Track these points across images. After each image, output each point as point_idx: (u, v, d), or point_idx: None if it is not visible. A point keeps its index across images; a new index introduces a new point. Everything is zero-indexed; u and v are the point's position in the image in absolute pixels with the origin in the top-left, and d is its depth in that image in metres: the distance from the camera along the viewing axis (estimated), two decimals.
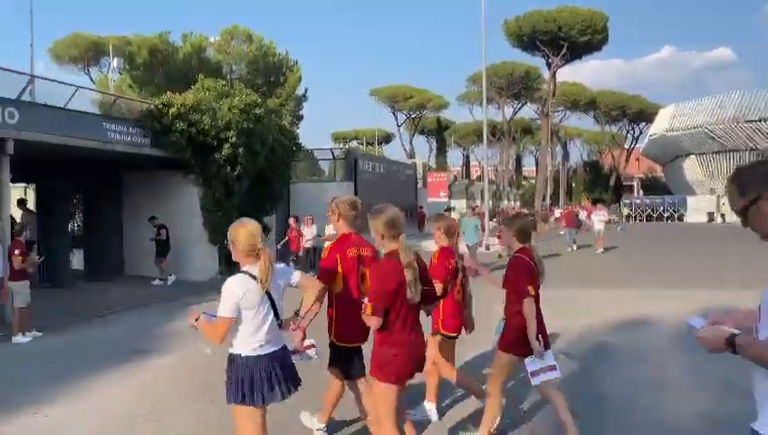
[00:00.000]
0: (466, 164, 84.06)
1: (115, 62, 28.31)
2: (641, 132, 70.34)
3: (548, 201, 54.85)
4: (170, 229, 14.60)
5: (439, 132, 76.14)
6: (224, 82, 16.26)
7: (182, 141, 14.15)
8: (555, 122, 62.53)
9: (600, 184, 72.42)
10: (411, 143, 76.43)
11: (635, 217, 50.37)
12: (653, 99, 76.22)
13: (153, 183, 15.37)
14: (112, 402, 6.00)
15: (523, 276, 4.22)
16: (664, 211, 50.02)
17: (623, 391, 5.81)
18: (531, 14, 48.52)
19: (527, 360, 4.19)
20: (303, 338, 3.89)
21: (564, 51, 47.26)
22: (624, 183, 72.64)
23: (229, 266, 16.10)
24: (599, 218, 21.43)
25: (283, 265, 3.72)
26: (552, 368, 4.24)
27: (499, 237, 18.25)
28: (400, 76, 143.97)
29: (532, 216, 20.16)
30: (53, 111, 11.83)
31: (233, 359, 3.40)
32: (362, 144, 69.18)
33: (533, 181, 71.11)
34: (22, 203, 15.15)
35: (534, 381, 4.23)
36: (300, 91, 30.84)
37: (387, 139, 78.03)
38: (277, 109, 22.99)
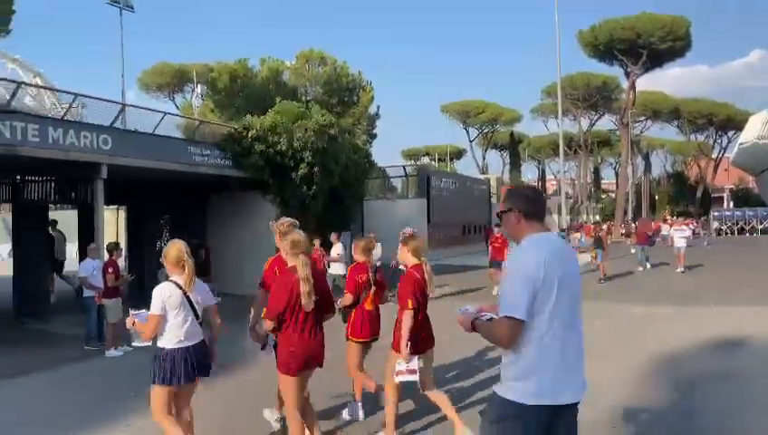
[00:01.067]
0: (542, 178, 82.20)
1: (199, 89, 29.78)
2: (730, 141, 66.44)
3: (630, 215, 52.64)
4: (251, 247, 15.03)
5: (513, 146, 74.91)
6: (299, 105, 16.74)
7: (260, 162, 14.66)
8: (635, 133, 60.17)
9: (686, 196, 68.87)
10: (484, 158, 75.65)
11: (725, 230, 47.49)
12: (742, 105, 71.96)
13: (235, 203, 15.95)
14: (198, 416, 6.20)
15: (408, 290, 4.73)
16: (757, 224, 46.91)
17: (725, 420, 5.44)
18: (607, 22, 47.11)
19: (398, 360, 4.68)
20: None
21: (644, 59, 45.49)
22: (713, 195, 68.74)
23: None
24: (679, 235, 19.62)
25: (206, 285, 4.65)
26: (413, 372, 4.67)
27: None
28: (471, 91, 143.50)
29: (601, 229, 19.04)
30: (143, 136, 12.53)
31: (159, 350, 4.33)
32: (434, 160, 69.16)
33: (613, 195, 68.60)
34: (53, 225, 15.57)
35: (396, 379, 4.74)
36: (372, 110, 31.23)
37: (458, 154, 77.59)
38: (350, 128, 23.33)
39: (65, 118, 11.87)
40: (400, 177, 26.89)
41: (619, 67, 49.94)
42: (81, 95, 12.40)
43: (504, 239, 13.86)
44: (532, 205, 2.85)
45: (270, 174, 15.03)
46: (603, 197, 76.29)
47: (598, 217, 57.95)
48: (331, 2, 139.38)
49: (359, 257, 5.64)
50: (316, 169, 15.26)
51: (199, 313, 4.45)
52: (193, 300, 4.38)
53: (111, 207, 18.26)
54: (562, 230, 22.80)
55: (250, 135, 14.63)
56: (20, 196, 14.25)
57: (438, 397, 5.01)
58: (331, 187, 16.19)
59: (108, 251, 9.72)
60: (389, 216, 23.73)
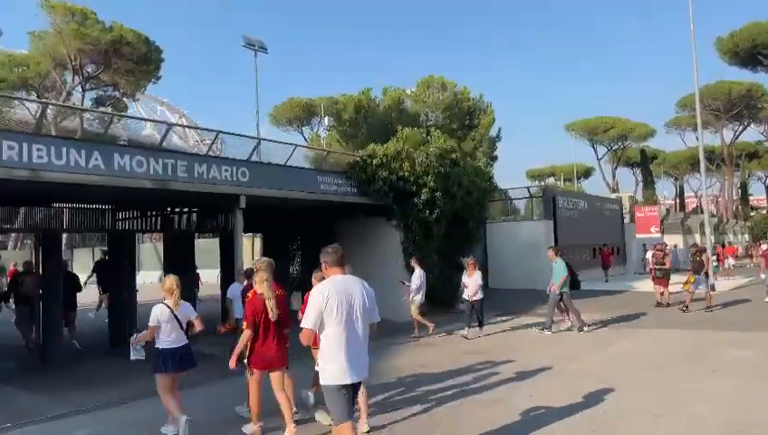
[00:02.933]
0: (680, 195, 76.59)
1: (326, 121, 31.27)
2: None
3: None
4: (377, 270, 15.32)
5: (644, 163, 70.56)
6: (421, 130, 17.02)
7: (384, 189, 15.03)
8: None
9: None
10: (614, 176, 71.92)
11: None
12: None
13: (360, 228, 16.44)
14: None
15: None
16: None
17: None
18: (749, 27, 43.46)
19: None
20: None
21: None
22: None
23: (432, 307, 16.47)
24: None
25: (188, 304, 6.73)
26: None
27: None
28: (597, 107, 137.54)
29: (701, 252, 16.87)
30: (276, 168, 13.34)
31: (156, 350, 6.47)
32: (559, 181, 66.85)
33: (764, 211, 62.24)
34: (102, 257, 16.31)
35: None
36: (493, 132, 31.07)
37: (586, 173, 74.47)
38: (472, 151, 23.34)
39: (208, 153, 12.95)
40: (524, 198, 26.28)
41: (764, 73, 45.69)
42: (221, 132, 13.48)
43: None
44: (332, 257, 5.00)
45: (393, 200, 15.35)
46: (752, 214, 69.36)
47: (747, 237, 52.75)
48: (451, 26, 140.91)
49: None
50: (438, 193, 15.37)
51: (183, 325, 6.57)
52: (178, 316, 6.51)
53: (248, 234, 19.55)
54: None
55: (374, 162, 15.08)
56: (170, 226, 15.67)
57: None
58: (453, 210, 16.21)
59: (246, 276, 10.35)
60: (513, 238, 23.22)
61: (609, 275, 25.11)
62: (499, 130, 32.67)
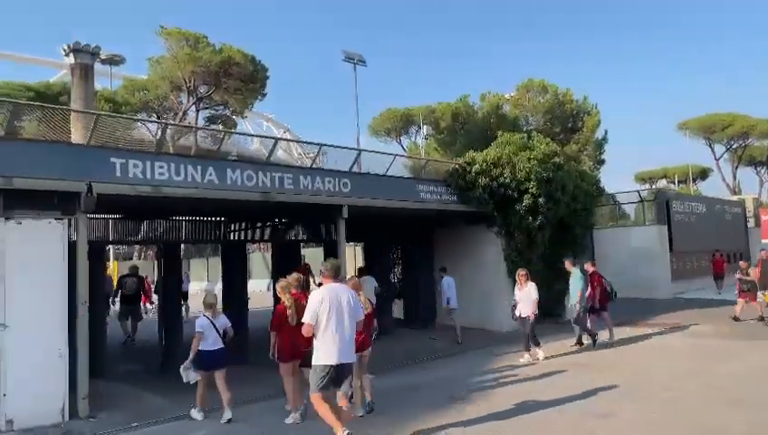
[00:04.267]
0: None
1: (425, 130, 31.41)
2: None
3: None
4: (477, 278, 15.18)
5: None
6: (522, 135, 16.60)
7: (485, 196, 14.81)
8: None
9: None
10: (735, 177, 66.53)
11: None
12: None
13: (460, 237, 16.30)
14: None
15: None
16: None
17: None
18: None
19: None
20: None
21: None
22: None
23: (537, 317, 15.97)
24: None
25: (224, 316, 8.39)
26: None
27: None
28: (713, 103, 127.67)
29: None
30: (376, 177, 13.53)
31: (200, 352, 7.84)
32: (672, 183, 62.88)
33: None
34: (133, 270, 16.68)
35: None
36: (599, 135, 29.81)
37: (702, 174, 69.43)
38: (576, 155, 22.50)
39: (312, 166, 13.37)
40: (634, 202, 24.93)
41: None
42: (324, 145, 13.86)
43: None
44: (329, 270, 6.48)
45: (494, 206, 15.09)
46: None
47: None
48: (552, 26, 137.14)
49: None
50: (541, 199, 14.91)
51: (221, 332, 8.05)
52: (216, 325, 8.02)
53: (350, 243, 19.93)
54: None
55: (473, 169, 14.91)
56: (278, 236, 16.32)
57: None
58: (557, 216, 15.67)
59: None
60: (623, 244, 22.10)
61: (724, 284, 22.29)
62: (605, 132, 31.30)
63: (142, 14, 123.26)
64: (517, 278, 11.62)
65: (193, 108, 25.55)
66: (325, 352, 6.13)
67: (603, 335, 12.90)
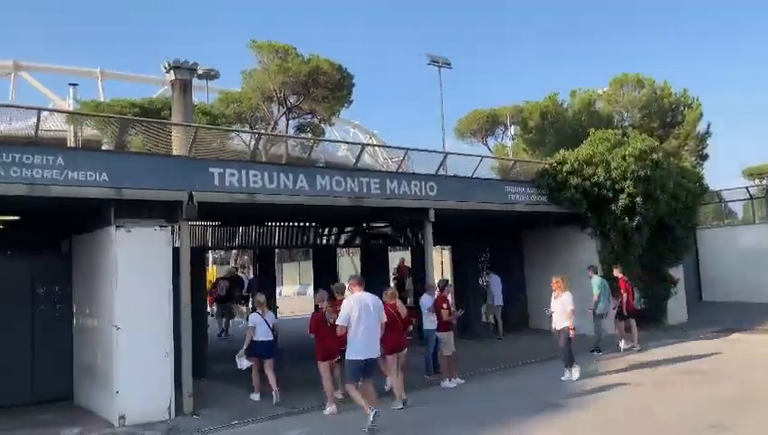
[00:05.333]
0: None
1: (512, 130, 30.79)
2: None
3: None
4: (571, 283, 14.63)
5: None
6: (616, 132, 15.89)
7: (577, 196, 14.31)
8: None
9: None
10: None
11: None
12: None
13: (550, 239, 15.83)
14: None
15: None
16: None
17: None
18: None
19: None
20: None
21: None
22: None
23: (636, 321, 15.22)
24: None
25: (271, 313, 10.04)
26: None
27: None
28: None
29: None
30: (463, 180, 13.41)
31: (253, 342, 9.35)
32: None
33: None
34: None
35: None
36: (701, 129, 28.02)
37: None
38: (676, 151, 21.26)
39: (398, 170, 13.45)
40: (742, 200, 23.20)
41: None
42: (409, 149, 13.90)
43: None
44: (356, 283, 7.75)
45: (587, 207, 14.54)
46: None
47: None
48: (647, 17, 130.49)
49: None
50: (638, 198, 14.20)
51: (270, 326, 9.52)
52: (267, 320, 9.48)
53: (436, 247, 19.81)
54: None
55: (564, 169, 14.45)
56: (366, 240, 16.55)
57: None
58: (656, 216, 14.86)
59: (439, 288, 10.54)
60: (730, 245, 20.66)
61: None
62: (708, 125, 29.37)
63: (235, 30, 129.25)
64: (553, 286, 10.43)
65: (283, 117, 26.40)
66: (356, 350, 7.44)
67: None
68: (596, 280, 12.78)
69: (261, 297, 9.99)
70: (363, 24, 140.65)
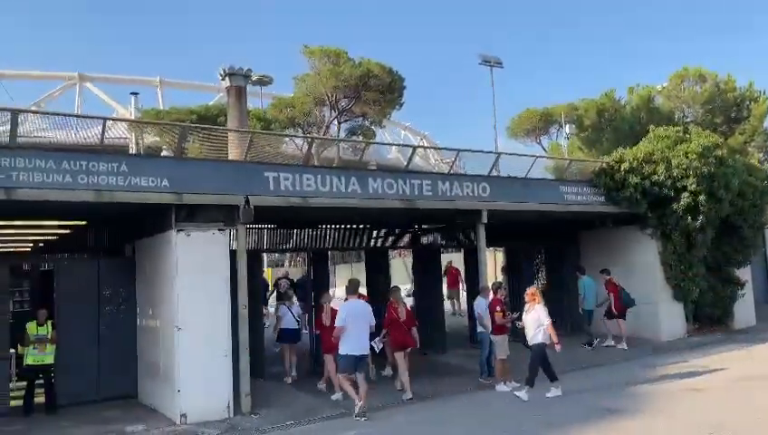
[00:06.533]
0: None
1: (567, 129, 30.13)
2: None
3: None
4: (629, 283, 14.23)
5: None
6: (677, 129, 15.31)
7: (636, 195, 13.87)
8: None
9: None
10: None
11: None
12: None
13: (608, 240, 15.38)
14: None
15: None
16: None
17: None
18: None
19: None
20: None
21: None
22: None
23: (699, 325, 14.63)
24: None
25: (298, 305, 11.74)
26: None
27: None
28: None
29: None
30: (516, 181, 13.20)
31: (281, 330, 11.25)
32: None
33: None
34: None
35: None
36: None
37: None
38: (741, 147, 20.31)
39: (450, 172, 13.36)
40: None
41: None
42: (461, 150, 13.78)
43: None
44: (350, 288, 9.22)
45: (647, 207, 14.07)
46: None
47: None
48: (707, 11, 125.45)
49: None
50: (701, 197, 13.63)
51: (296, 316, 11.05)
52: (293, 311, 10.95)
53: (489, 248, 19.52)
54: None
55: (623, 168, 14.03)
56: (418, 242, 16.51)
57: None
58: (721, 215, 14.23)
59: (493, 290, 10.41)
60: None
61: None
62: None
63: (287, 36, 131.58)
64: (527, 297, 9.68)
65: (335, 121, 26.68)
66: (350, 346, 8.49)
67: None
68: (583, 280, 13.88)
69: (289, 293, 12.16)
70: (415, 24, 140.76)
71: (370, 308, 8.99)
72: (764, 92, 25.89)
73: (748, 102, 25.90)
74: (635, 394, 9.11)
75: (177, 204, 8.77)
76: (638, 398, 8.84)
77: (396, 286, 11.36)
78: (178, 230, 8.77)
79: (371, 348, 9.33)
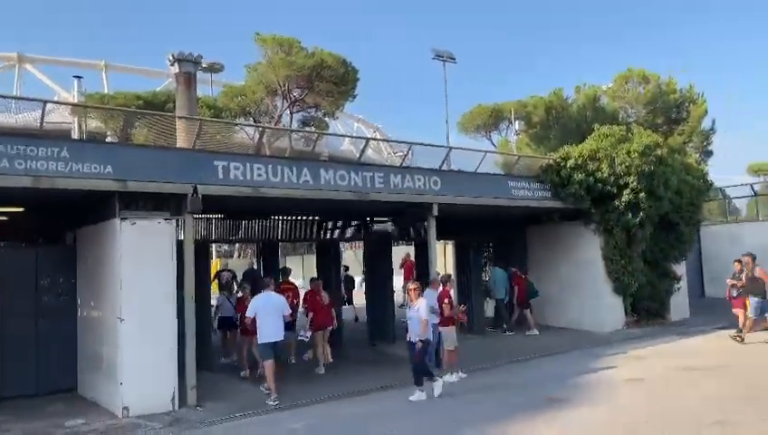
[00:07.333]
0: None
1: (517, 125, 30.70)
2: None
3: None
4: (572, 278, 14.73)
5: None
6: (621, 128, 15.83)
7: (581, 192, 14.28)
8: None
9: None
10: None
11: None
12: None
13: (553, 234, 15.81)
14: None
15: None
16: None
17: None
18: None
19: None
20: None
21: None
22: None
23: (637, 317, 15.23)
24: None
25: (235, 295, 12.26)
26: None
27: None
28: None
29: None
30: (466, 175, 13.39)
31: (220, 317, 12.28)
32: None
33: None
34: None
35: None
36: (706, 125, 27.95)
37: None
38: (680, 147, 21.13)
39: (402, 165, 13.43)
40: (746, 196, 23.13)
41: None
42: (413, 143, 13.87)
43: None
44: (267, 284, 9.70)
45: (591, 203, 14.52)
46: None
47: None
48: (650, 12, 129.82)
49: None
50: (642, 194, 14.16)
51: (234, 305, 11.68)
52: (231, 300, 11.98)
53: (440, 241, 19.75)
54: None
55: (569, 164, 14.41)
56: (370, 235, 16.54)
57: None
58: (660, 213, 14.83)
59: (442, 283, 10.54)
60: (734, 242, 20.58)
61: None
62: (713, 121, 29.28)
63: (240, 24, 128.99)
64: (409, 293, 9.33)
65: (287, 111, 26.37)
66: (265, 334, 9.09)
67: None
68: (495, 272, 15.44)
69: (230, 283, 12.94)
70: (369, 20, 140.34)
71: (283, 299, 9.64)
72: (702, 95, 27.10)
73: (687, 104, 27.03)
74: (578, 384, 9.40)
75: (122, 191, 8.51)
76: (580, 388, 9.13)
77: (314, 277, 12.74)
78: (122, 219, 8.52)
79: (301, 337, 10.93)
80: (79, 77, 31.34)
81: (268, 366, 9.14)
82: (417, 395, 8.75)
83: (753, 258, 12.23)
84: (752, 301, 11.94)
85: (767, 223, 20.82)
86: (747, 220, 22.68)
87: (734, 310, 12.70)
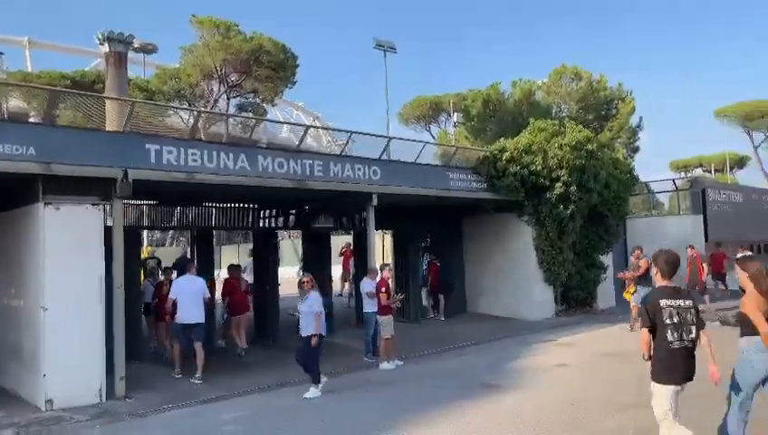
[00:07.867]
0: None
1: (455, 117, 31.14)
2: None
3: None
4: (507, 267, 15.15)
5: None
6: (554, 122, 16.33)
7: (515, 183, 14.65)
8: None
9: None
10: None
11: None
12: None
13: (489, 225, 16.18)
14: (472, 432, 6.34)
15: None
16: None
17: None
18: None
19: None
20: None
21: None
22: None
23: (567, 306, 15.82)
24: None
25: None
26: None
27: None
28: (754, 90, 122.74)
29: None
30: (406, 165, 13.48)
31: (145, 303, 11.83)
32: (708, 172, 61.27)
33: None
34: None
35: None
36: (634, 122, 29.24)
37: (740, 163, 67.51)
38: (609, 142, 22.04)
39: (342, 154, 13.38)
40: (668, 191, 24.38)
41: None
42: (354, 132, 13.85)
43: None
44: (190, 266, 10.40)
45: (525, 195, 14.93)
46: None
47: None
48: (585, 12, 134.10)
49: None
50: (573, 187, 14.69)
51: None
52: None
53: (379, 231, 19.85)
54: None
55: (504, 157, 14.75)
56: (307, 224, 16.42)
57: None
58: (589, 205, 15.43)
59: (380, 271, 10.60)
60: (657, 234, 21.66)
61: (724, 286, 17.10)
62: (640, 119, 30.66)
63: (175, 3, 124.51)
64: (303, 285, 8.64)
65: (224, 96, 25.74)
66: (180, 316, 9.49)
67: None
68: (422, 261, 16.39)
69: (155, 271, 12.82)
70: (310, 7, 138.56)
71: (203, 282, 10.10)
72: (631, 93, 28.30)
73: (617, 102, 28.18)
74: (510, 370, 9.70)
75: (46, 174, 8.08)
76: (512, 373, 9.42)
77: (233, 264, 12.87)
78: (46, 203, 8.10)
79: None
80: (0, 53, 29.49)
81: (175, 347, 9.82)
82: (313, 392, 8.25)
83: (641, 250, 13.15)
84: (639, 290, 12.33)
85: (687, 217, 22.02)
86: (669, 214, 23.91)
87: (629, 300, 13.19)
